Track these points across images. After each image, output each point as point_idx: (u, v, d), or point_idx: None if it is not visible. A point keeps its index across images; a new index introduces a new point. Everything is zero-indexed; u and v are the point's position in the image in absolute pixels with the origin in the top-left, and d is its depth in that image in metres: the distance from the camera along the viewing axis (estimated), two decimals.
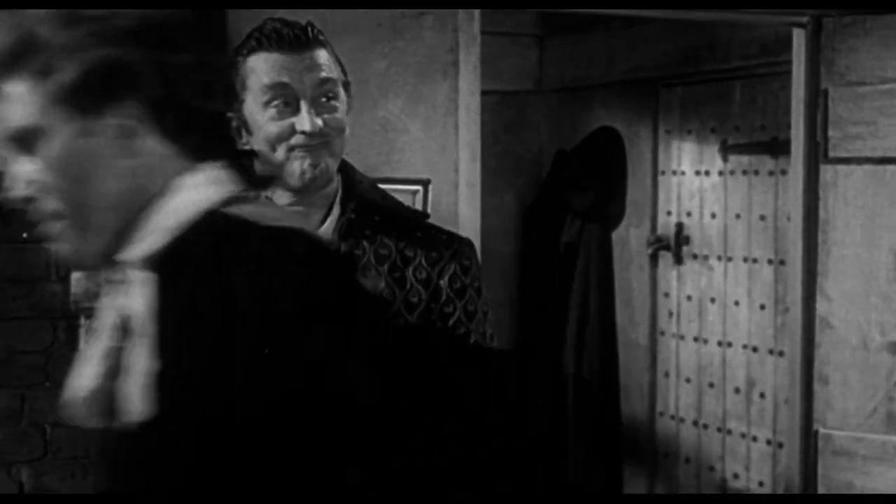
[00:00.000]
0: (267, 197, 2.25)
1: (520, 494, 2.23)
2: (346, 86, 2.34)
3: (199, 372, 1.39)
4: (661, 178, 5.45)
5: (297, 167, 2.23)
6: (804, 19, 3.94)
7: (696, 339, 5.28)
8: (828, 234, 3.93)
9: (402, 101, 3.59)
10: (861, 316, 3.87)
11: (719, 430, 5.16)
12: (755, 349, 4.98)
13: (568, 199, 5.65)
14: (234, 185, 1.56)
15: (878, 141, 3.81)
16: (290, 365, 1.38)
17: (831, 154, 3.90)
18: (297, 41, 2.23)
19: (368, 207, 2.34)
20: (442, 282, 2.34)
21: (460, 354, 2.34)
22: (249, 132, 2.23)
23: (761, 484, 4.94)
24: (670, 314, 5.42)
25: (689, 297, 5.31)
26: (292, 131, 2.21)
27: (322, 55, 2.27)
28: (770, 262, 4.90)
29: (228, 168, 1.58)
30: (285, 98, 2.21)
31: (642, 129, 5.51)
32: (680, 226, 5.33)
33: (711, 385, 5.20)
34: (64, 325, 3.91)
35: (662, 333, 5.47)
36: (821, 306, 3.95)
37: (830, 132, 3.89)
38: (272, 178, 2.15)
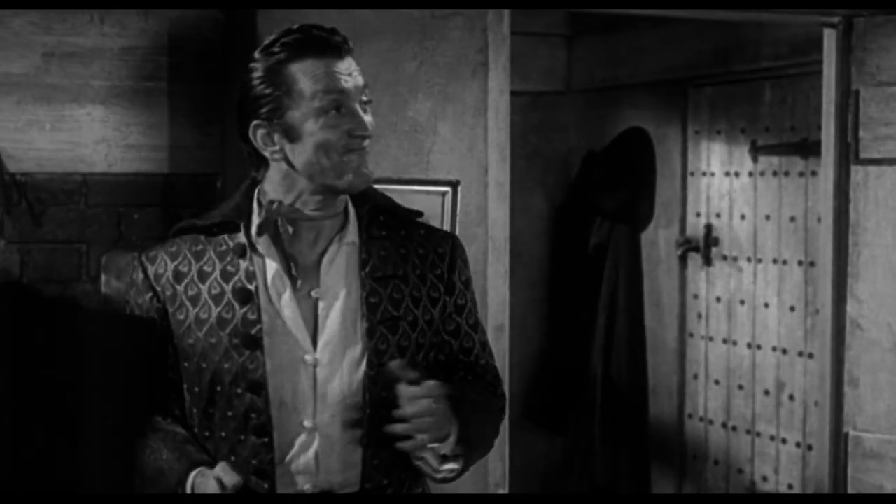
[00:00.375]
0: (292, 205, 2.28)
1: None
2: None
3: None
4: (690, 179, 5.44)
5: (352, 170, 2.26)
6: (835, 19, 3.92)
7: (725, 341, 5.26)
8: (858, 236, 3.91)
9: (432, 102, 3.59)
10: (892, 318, 3.85)
11: (748, 432, 5.14)
12: (785, 351, 4.96)
13: (597, 199, 5.65)
14: None
15: None
16: None
17: (862, 155, 3.88)
18: (340, 47, 2.26)
19: (376, 208, 2.40)
20: (454, 276, 2.43)
21: None
22: (291, 139, 2.24)
23: (790, 487, 4.92)
24: (699, 316, 5.40)
25: (718, 299, 5.30)
26: (347, 136, 2.24)
27: (354, 61, 2.30)
28: (800, 263, 4.88)
29: None
30: (339, 104, 2.23)
31: (671, 130, 5.50)
32: (709, 227, 5.32)
33: (740, 387, 5.18)
34: None
35: (691, 335, 5.45)
36: (851, 308, 3.93)
37: (861, 133, 3.87)
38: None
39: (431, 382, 2.22)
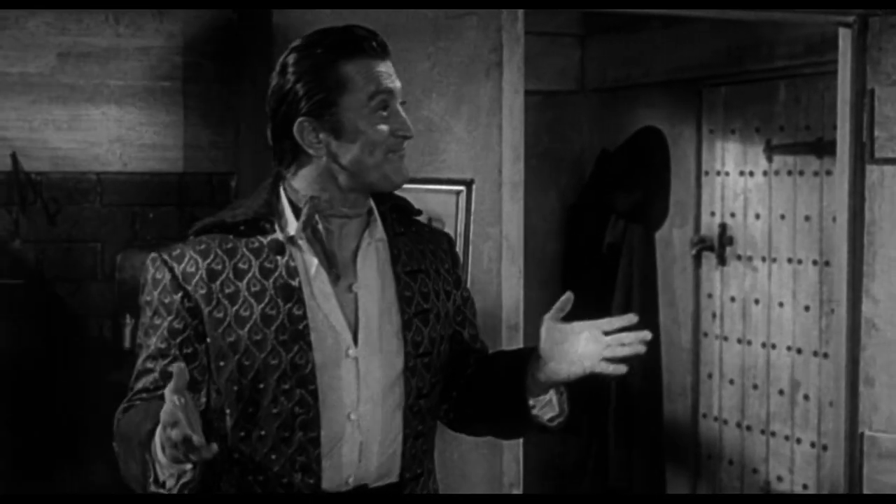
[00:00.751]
0: (328, 201, 2.31)
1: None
2: None
3: None
4: (704, 179, 5.43)
5: (397, 170, 2.30)
6: (850, 18, 3.91)
7: (739, 341, 5.25)
8: (874, 235, 3.90)
9: (446, 102, 3.59)
10: None
11: (763, 432, 5.13)
12: (799, 351, 4.95)
13: (611, 199, 5.64)
14: None
15: None
16: None
17: (877, 154, 3.87)
18: (385, 49, 2.32)
19: (394, 207, 2.45)
20: (457, 270, 2.53)
21: None
22: (338, 136, 2.27)
23: (805, 487, 4.91)
24: (714, 315, 5.39)
25: (732, 299, 5.29)
26: (392, 136, 2.28)
27: None
28: (815, 263, 4.87)
29: None
30: (386, 103, 2.28)
31: (686, 129, 5.49)
32: (724, 226, 5.31)
33: (755, 387, 5.17)
34: (109, 324, 3.94)
35: (706, 335, 5.44)
36: (866, 308, 3.92)
37: (876, 132, 3.86)
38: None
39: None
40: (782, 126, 5.02)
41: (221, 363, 2.28)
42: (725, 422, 5.33)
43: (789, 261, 4.99)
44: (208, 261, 2.29)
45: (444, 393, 2.44)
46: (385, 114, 2.27)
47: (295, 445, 2.26)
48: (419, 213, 2.51)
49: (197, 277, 2.28)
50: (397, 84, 2.30)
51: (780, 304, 5.03)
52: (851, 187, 3.94)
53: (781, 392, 5.03)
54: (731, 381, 5.29)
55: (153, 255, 2.32)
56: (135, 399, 2.27)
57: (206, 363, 2.29)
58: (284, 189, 2.34)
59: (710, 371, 5.41)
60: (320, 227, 2.30)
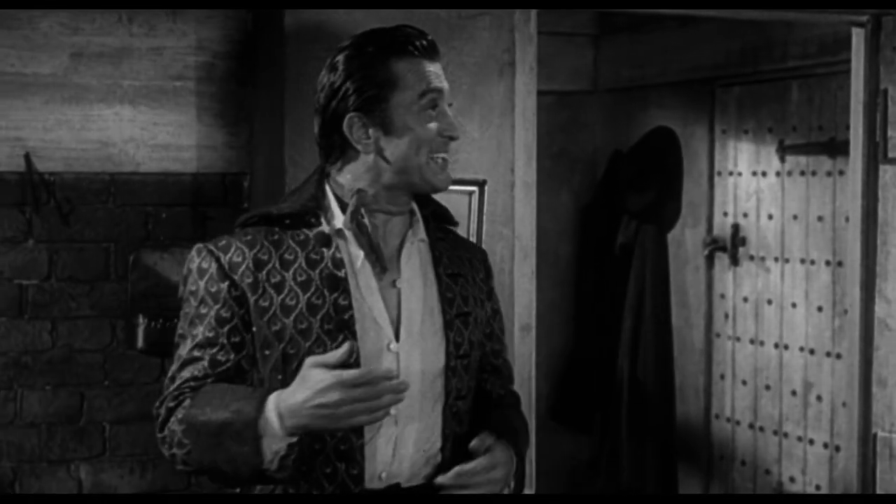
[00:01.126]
0: (374, 196, 2.34)
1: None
2: None
3: None
4: (717, 179, 5.42)
5: (437, 171, 2.34)
6: (863, 18, 3.91)
7: (752, 342, 5.25)
8: (887, 236, 3.89)
9: (459, 102, 3.59)
10: None
11: (775, 433, 5.12)
12: (812, 351, 4.94)
13: (624, 199, 5.64)
14: None
15: None
16: None
17: (890, 154, 3.86)
18: (436, 49, 2.36)
19: (435, 213, 2.49)
20: (490, 282, 2.57)
21: None
22: (387, 132, 2.29)
23: (818, 488, 4.90)
24: (726, 316, 5.39)
25: (745, 299, 5.28)
26: (439, 136, 2.32)
27: None
28: (828, 263, 4.86)
29: None
30: (436, 103, 2.31)
31: (698, 129, 5.49)
32: (736, 227, 5.30)
33: (768, 387, 5.16)
34: (122, 324, 3.95)
35: (718, 335, 5.44)
36: (879, 308, 3.92)
37: (890, 132, 3.85)
38: None
39: (498, 450, 2.35)
40: (795, 126, 5.01)
41: (266, 352, 2.29)
42: (738, 422, 5.32)
43: (802, 261, 4.98)
44: (254, 251, 2.30)
45: None
46: (434, 113, 2.31)
47: (339, 435, 2.26)
48: (457, 224, 2.54)
49: (243, 267, 2.29)
50: (446, 85, 2.34)
51: (793, 305, 5.02)
52: (864, 187, 3.93)
53: (794, 393, 5.02)
54: (744, 382, 5.29)
55: (198, 245, 2.34)
56: (184, 388, 2.27)
57: (252, 353, 2.30)
58: (329, 184, 2.37)
59: (723, 372, 5.41)
60: (366, 220, 2.32)
